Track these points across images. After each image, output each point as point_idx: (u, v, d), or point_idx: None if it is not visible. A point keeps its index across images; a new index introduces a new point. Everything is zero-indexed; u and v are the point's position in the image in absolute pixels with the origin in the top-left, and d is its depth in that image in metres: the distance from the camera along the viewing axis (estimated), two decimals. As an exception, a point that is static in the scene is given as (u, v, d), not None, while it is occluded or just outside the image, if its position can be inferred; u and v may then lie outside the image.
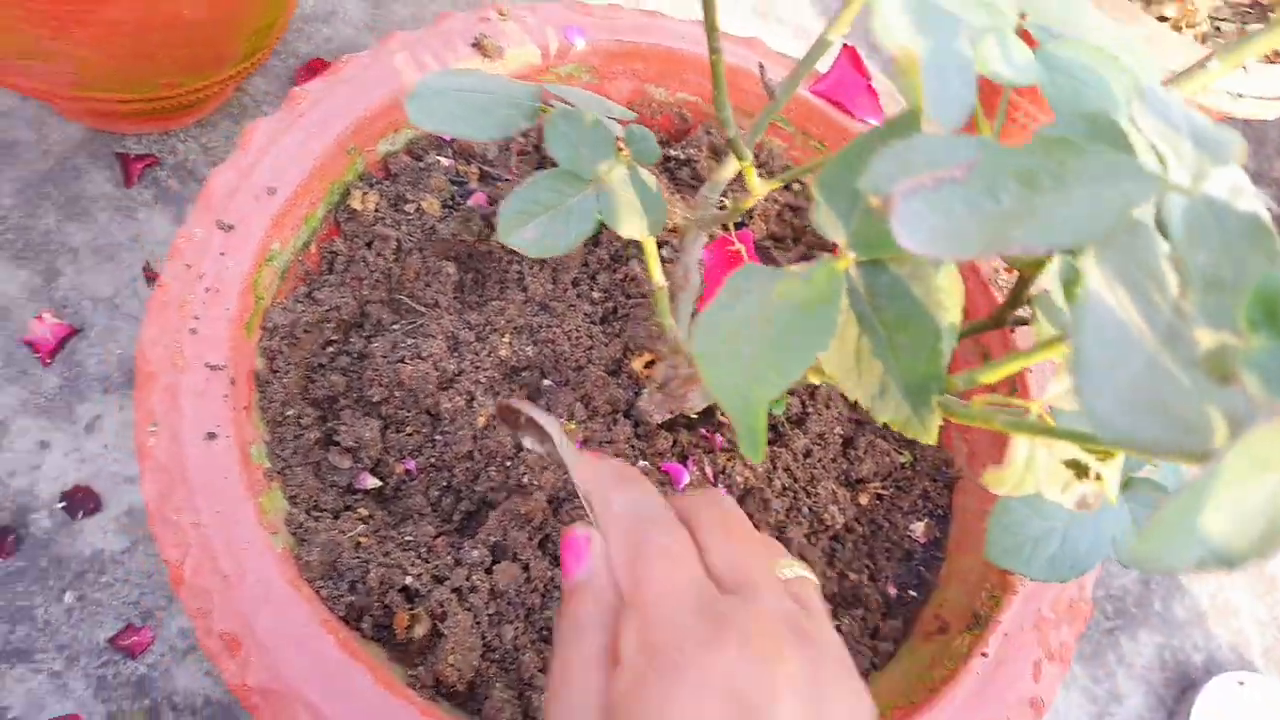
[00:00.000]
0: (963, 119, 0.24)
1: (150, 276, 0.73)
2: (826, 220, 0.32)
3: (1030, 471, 0.29)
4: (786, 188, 0.63)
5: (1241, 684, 0.79)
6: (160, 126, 0.78)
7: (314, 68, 0.86)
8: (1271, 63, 0.88)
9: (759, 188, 0.41)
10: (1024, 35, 0.32)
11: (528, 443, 0.37)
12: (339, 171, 0.50)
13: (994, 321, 0.38)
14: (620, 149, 0.39)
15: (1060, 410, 0.29)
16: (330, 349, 0.49)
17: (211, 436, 0.41)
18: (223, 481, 0.41)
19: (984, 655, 0.44)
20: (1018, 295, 0.36)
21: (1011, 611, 0.45)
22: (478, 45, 0.55)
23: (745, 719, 0.26)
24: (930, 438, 0.29)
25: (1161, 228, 0.22)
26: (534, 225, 0.36)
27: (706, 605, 0.29)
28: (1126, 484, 0.35)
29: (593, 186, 0.37)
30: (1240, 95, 0.83)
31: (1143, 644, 0.82)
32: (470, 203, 0.53)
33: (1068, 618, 0.46)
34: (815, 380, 0.34)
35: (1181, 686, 0.80)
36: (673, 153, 0.63)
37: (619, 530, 0.32)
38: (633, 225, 0.37)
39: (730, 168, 0.45)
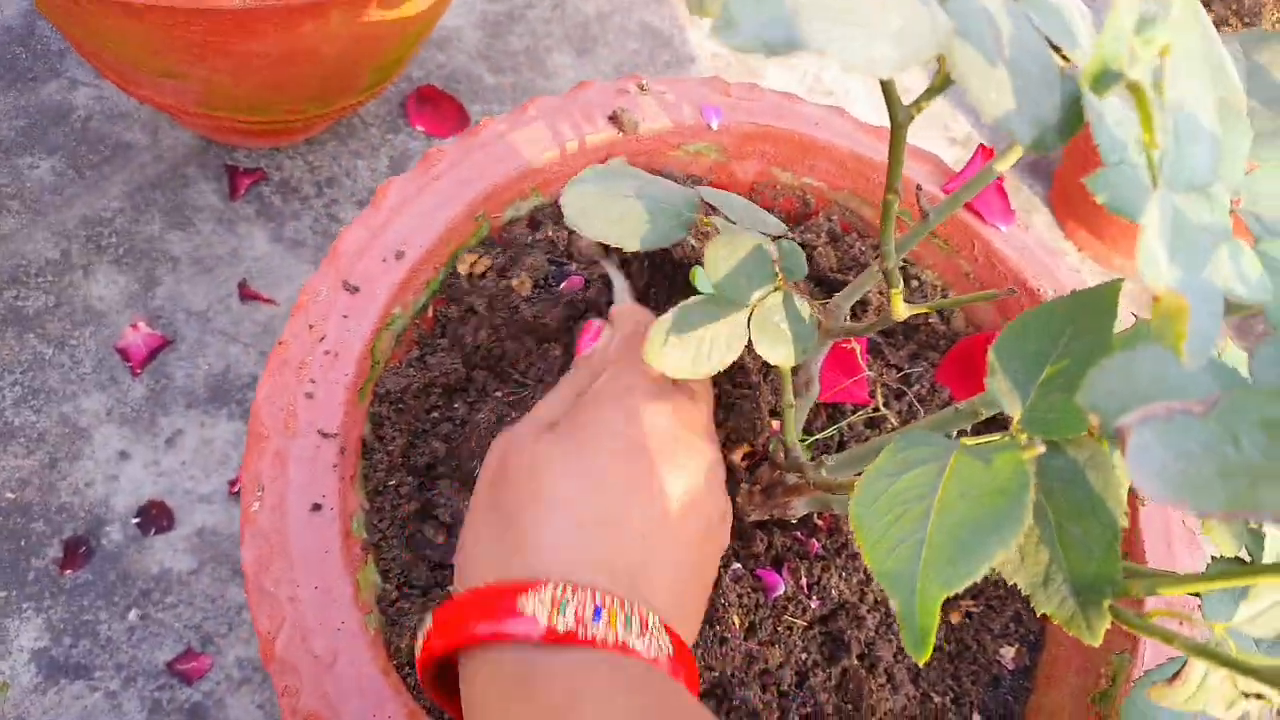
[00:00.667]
0: (1208, 355, 0.22)
1: (245, 294, 0.73)
2: (1001, 391, 0.31)
3: (1203, 692, 0.28)
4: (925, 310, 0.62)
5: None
6: (271, 142, 0.78)
7: (425, 95, 0.86)
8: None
9: (902, 312, 0.40)
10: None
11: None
12: (464, 237, 0.50)
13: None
14: (776, 271, 0.38)
15: (1241, 632, 0.27)
16: (434, 414, 0.49)
17: (317, 508, 0.41)
18: (323, 556, 0.40)
19: (1081, 821, 0.42)
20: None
21: (1111, 774, 0.43)
22: (614, 119, 0.54)
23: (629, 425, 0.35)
24: (1095, 640, 0.27)
25: None
26: (682, 349, 0.35)
27: (663, 385, 0.39)
28: None
29: (745, 312, 0.36)
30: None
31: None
32: (564, 286, 0.52)
33: (1170, 789, 0.44)
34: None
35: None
36: (792, 237, 0.62)
37: (626, 328, 0.43)
38: (779, 353, 0.36)
39: (867, 281, 0.44)
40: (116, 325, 0.70)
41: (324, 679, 0.38)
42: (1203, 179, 0.24)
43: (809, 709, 0.46)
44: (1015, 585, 0.57)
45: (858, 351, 0.54)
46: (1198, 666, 0.27)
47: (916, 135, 1.02)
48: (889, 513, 0.28)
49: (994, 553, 0.26)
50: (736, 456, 0.53)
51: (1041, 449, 0.28)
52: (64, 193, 0.74)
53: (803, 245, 0.60)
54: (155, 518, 0.65)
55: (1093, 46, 0.20)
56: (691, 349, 0.35)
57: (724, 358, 0.35)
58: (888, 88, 0.31)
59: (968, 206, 0.60)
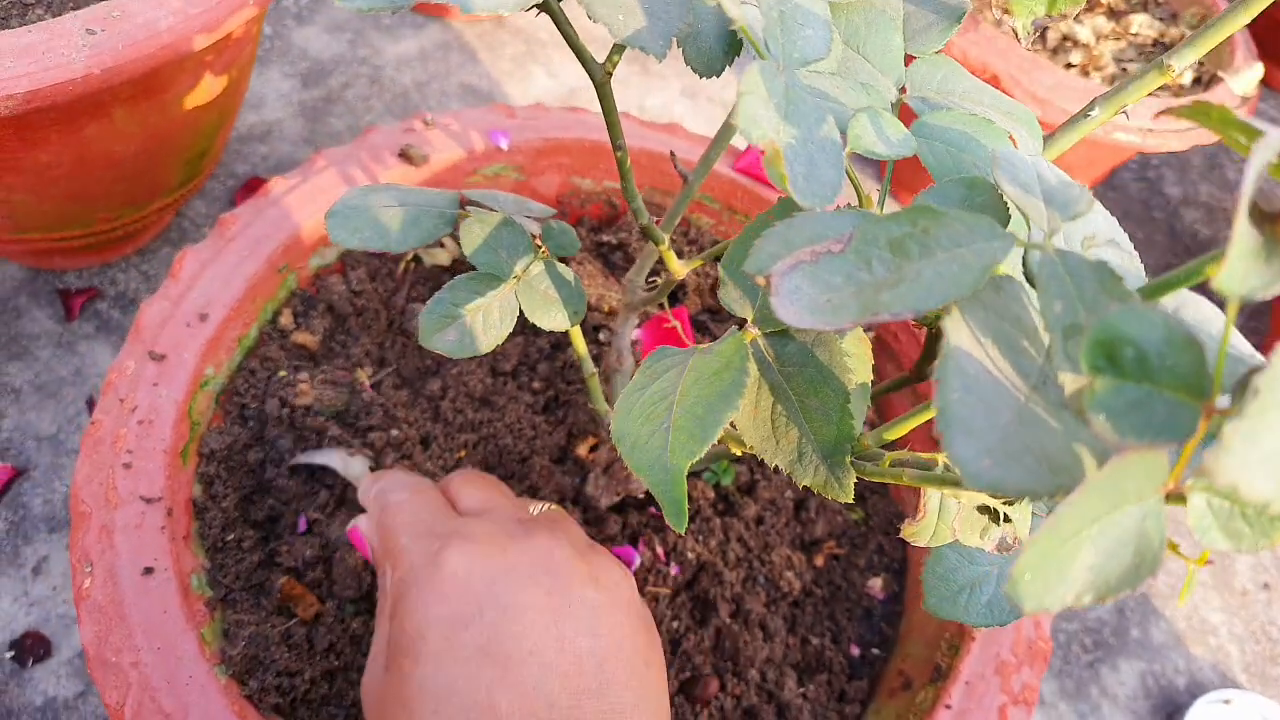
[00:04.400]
0: (833, 198, 0.25)
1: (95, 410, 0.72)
2: (733, 299, 0.33)
3: (944, 521, 0.30)
4: (716, 260, 0.65)
5: (1228, 702, 0.79)
6: (100, 259, 0.78)
7: (252, 186, 0.87)
8: (1178, 96, 0.93)
9: (679, 269, 0.43)
10: (906, 110, 0.34)
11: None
12: (271, 291, 0.51)
13: (915, 375, 0.39)
14: (538, 245, 0.40)
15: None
16: (270, 467, 0.49)
17: (149, 571, 0.41)
18: (162, 616, 0.40)
19: (948, 707, 0.44)
20: (931, 348, 0.37)
21: (971, 659, 0.45)
22: (404, 155, 0.57)
23: (481, 608, 0.31)
24: (847, 496, 0.30)
25: (1031, 281, 0.23)
26: (454, 328, 0.36)
27: (439, 524, 0.35)
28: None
29: (511, 285, 0.38)
30: (1152, 130, 0.87)
31: (1124, 673, 0.82)
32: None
33: (1028, 659, 0.46)
34: (737, 452, 0.34)
35: (1168, 712, 0.80)
36: (605, 238, 0.64)
37: (372, 507, 0.39)
38: (553, 318, 0.38)
39: (654, 252, 0.47)
40: (-36, 466, 0.69)
41: (177, 734, 0.38)
42: (816, 55, 0.28)
43: (688, 673, 0.47)
44: (875, 522, 0.59)
45: (679, 328, 0.57)
46: (932, 495, 0.30)
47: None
48: (641, 417, 0.30)
49: (724, 417, 0.28)
50: (583, 450, 0.54)
51: (756, 331, 0.30)
52: (-109, 348, 0.73)
53: (618, 245, 0.63)
54: (31, 648, 0.63)
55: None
56: (464, 326, 0.36)
57: (499, 332, 0.37)
58: (578, 50, 0.34)
59: (761, 179, 0.64)
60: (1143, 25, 0.98)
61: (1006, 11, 0.35)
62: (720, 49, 0.32)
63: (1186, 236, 1.17)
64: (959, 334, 0.21)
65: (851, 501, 0.30)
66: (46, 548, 0.67)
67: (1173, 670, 0.83)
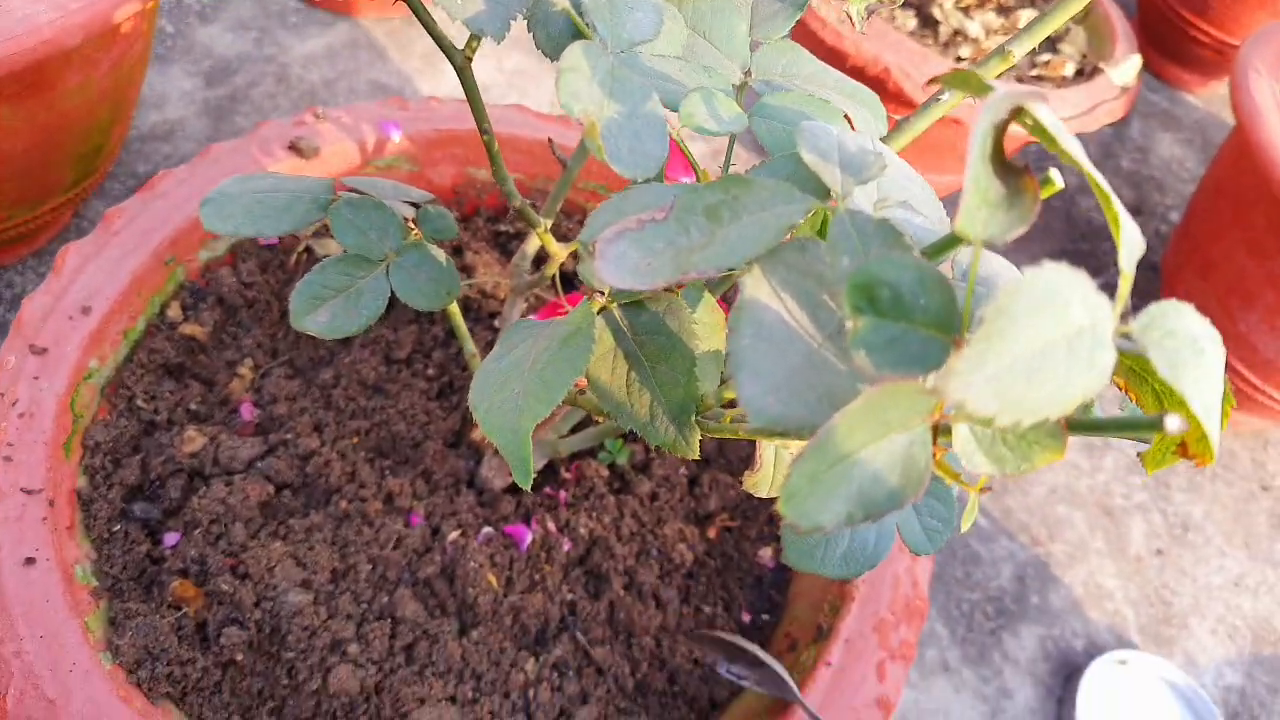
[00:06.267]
0: (656, 169, 0.27)
1: (-9, 413, 0.71)
2: (590, 272, 0.35)
3: (779, 472, 0.32)
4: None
5: (1123, 663, 0.83)
6: (-7, 262, 0.77)
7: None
8: (1060, 87, 0.97)
9: (558, 251, 0.44)
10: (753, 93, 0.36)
11: (732, 670, 0.46)
12: (158, 283, 0.51)
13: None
14: (412, 229, 0.41)
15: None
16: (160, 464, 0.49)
17: (30, 561, 0.41)
18: (44, 605, 0.40)
19: (828, 664, 0.46)
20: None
21: (850, 619, 0.48)
22: (294, 148, 0.57)
23: None
24: (693, 454, 0.32)
25: (836, 240, 0.25)
26: (326, 309, 0.37)
27: None
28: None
29: (382, 267, 0.39)
30: (1031, 121, 0.91)
31: (1025, 639, 0.85)
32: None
33: (905, 616, 0.49)
34: (598, 418, 0.36)
35: (1066, 674, 0.84)
36: (503, 228, 0.66)
37: None
38: (426, 299, 0.39)
39: (534, 239, 0.48)
40: None
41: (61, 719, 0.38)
42: (644, 36, 0.29)
43: (582, 642, 0.49)
44: (766, 497, 0.61)
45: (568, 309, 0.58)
46: (767, 447, 0.32)
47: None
48: (496, 385, 0.31)
49: (570, 379, 0.29)
50: (477, 434, 0.55)
51: (603, 299, 0.32)
52: None
53: (516, 234, 0.65)
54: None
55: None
56: (336, 306, 0.37)
57: (372, 312, 0.38)
58: (437, 37, 0.35)
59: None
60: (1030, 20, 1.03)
61: (842, -2, 0.37)
62: (569, 33, 0.33)
63: (1082, 222, 1.22)
64: (758, 288, 0.23)
65: (697, 458, 0.31)
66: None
67: (1071, 634, 0.87)
